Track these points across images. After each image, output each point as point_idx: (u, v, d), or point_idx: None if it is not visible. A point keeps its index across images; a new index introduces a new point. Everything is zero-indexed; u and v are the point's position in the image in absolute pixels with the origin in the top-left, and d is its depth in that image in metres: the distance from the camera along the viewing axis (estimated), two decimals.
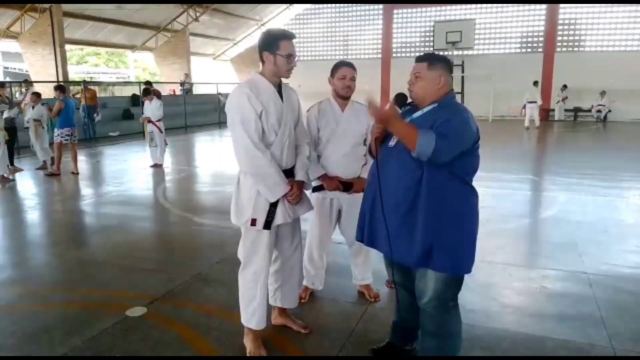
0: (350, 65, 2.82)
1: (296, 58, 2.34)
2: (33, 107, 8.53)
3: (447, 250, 1.94)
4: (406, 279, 2.21)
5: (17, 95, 11.83)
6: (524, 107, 15.20)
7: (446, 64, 2.04)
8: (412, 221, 1.95)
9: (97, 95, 14.42)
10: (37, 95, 8.36)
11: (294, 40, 2.32)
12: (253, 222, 2.34)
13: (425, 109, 2.02)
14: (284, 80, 2.43)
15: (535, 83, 15.89)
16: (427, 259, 1.96)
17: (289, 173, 2.39)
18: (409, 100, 2.15)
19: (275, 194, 2.30)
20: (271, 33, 2.32)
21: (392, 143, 2.05)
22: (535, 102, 15.00)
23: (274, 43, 2.26)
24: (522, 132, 14.39)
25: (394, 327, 2.43)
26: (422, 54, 2.10)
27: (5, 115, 7.66)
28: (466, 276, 2.08)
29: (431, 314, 2.08)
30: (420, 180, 1.93)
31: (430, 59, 2.02)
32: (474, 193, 2.04)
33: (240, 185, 2.40)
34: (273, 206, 2.33)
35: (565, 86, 17.37)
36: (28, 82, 12.08)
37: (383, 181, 2.02)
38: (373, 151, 2.17)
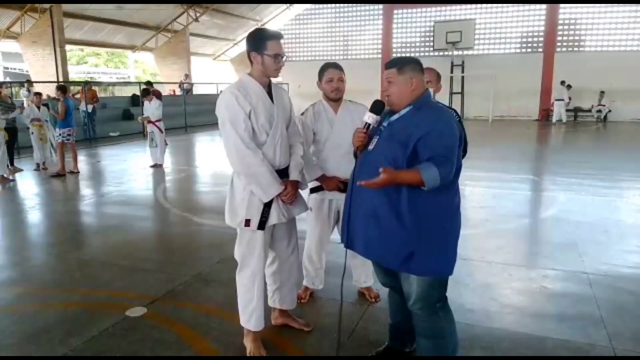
0: (336, 66, 2.81)
1: (284, 58, 2.33)
2: (39, 108, 8.52)
3: (428, 254, 1.93)
4: (392, 280, 2.20)
5: (21, 94, 11.81)
6: (553, 104, 16.85)
7: (416, 65, 2.03)
8: (391, 226, 1.94)
9: (97, 94, 14.44)
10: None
11: (283, 40, 2.32)
12: (247, 223, 2.33)
13: (402, 112, 2.02)
14: (280, 81, 2.43)
15: (563, 82, 16.70)
16: (408, 263, 1.95)
17: (283, 173, 2.39)
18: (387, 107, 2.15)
19: (268, 194, 2.30)
20: (258, 34, 2.32)
21: (370, 147, 2.04)
22: (563, 99, 16.44)
23: (260, 43, 2.27)
24: (524, 131, 14.42)
25: (390, 330, 2.42)
26: (391, 59, 2.10)
27: (3, 117, 7.64)
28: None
29: (420, 316, 2.07)
30: (399, 186, 1.91)
31: (399, 64, 2.02)
32: (456, 194, 2.02)
33: (233, 186, 2.40)
34: (267, 206, 2.33)
35: (569, 86, 17.38)
36: (30, 82, 12.04)
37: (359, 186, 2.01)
38: (358, 157, 2.17)
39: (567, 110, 18.02)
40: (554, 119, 16.74)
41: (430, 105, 2.02)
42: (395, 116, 2.04)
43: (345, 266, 2.28)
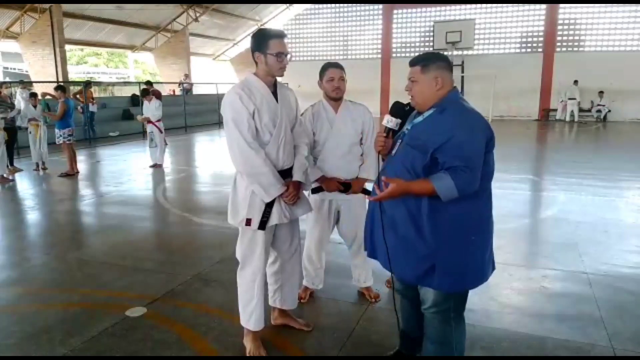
0: (337, 65, 2.80)
1: (288, 56, 2.32)
2: (35, 107, 8.52)
3: (449, 270, 1.85)
4: (406, 288, 2.16)
5: (17, 94, 11.78)
6: (564, 103, 17.46)
7: (442, 62, 1.90)
8: (410, 236, 1.86)
9: (94, 94, 14.46)
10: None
11: (286, 40, 2.32)
12: (248, 222, 2.33)
13: (426, 114, 1.91)
14: (279, 81, 2.43)
15: (576, 82, 17.20)
16: (428, 278, 1.87)
17: (286, 173, 2.38)
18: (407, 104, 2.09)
19: (270, 194, 2.30)
20: (261, 33, 2.32)
21: (393, 152, 1.96)
22: (575, 98, 17.12)
23: (264, 43, 2.27)
24: (524, 131, 14.42)
25: (401, 335, 2.36)
26: (415, 55, 1.98)
27: (1, 116, 7.64)
28: None
29: (432, 321, 2.02)
30: (419, 197, 1.82)
31: (423, 61, 1.89)
32: (485, 204, 1.91)
33: (236, 185, 2.40)
34: (268, 206, 2.33)
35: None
36: (23, 83, 12.00)
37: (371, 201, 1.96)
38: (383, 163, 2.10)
39: None
40: (567, 117, 17.41)
41: (455, 108, 1.85)
42: (419, 118, 1.93)
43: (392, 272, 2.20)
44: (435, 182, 1.75)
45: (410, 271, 1.92)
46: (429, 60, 1.90)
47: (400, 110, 2.03)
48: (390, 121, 1.99)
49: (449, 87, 1.91)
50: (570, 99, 17.28)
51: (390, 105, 2.06)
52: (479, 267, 1.91)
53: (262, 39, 2.28)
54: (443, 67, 1.90)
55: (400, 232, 1.89)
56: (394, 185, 1.79)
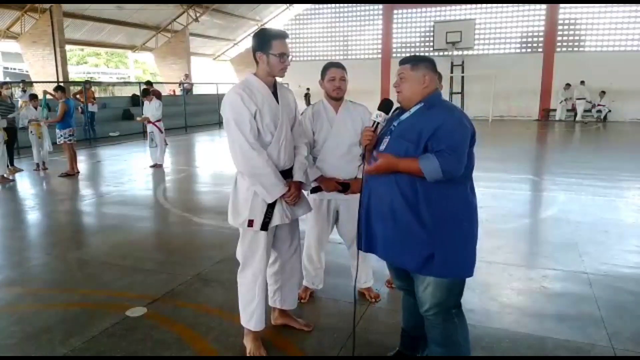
0: (338, 65, 2.81)
1: (290, 57, 2.32)
2: (36, 108, 8.53)
3: (448, 255, 1.90)
4: (408, 283, 2.16)
5: (17, 95, 11.80)
6: (568, 101, 17.70)
7: (429, 63, 2.03)
8: (410, 227, 1.91)
9: (95, 94, 14.46)
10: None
11: (288, 40, 2.31)
12: (250, 223, 2.33)
13: (412, 110, 2.00)
14: (283, 81, 2.42)
15: (583, 82, 17.32)
16: (429, 265, 1.92)
17: (286, 174, 2.38)
18: (396, 105, 2.13)
19: (272, 195, 2.29)
20: (263, 33, 2.31)
21: (382, 147, 2.01)
22: (584, 98, 17.21)
23: (266, 43, 2.26)
24: (524, 131, 14.43)
25: (402, 334, 2.37)
26: (406, 56, 2.10)
27: (8, 117, 7.65)
28: None
29: (433, 323, 2.03)
30: (414, 185, 1.90)
31: (413, 60, 2.03)
32: (472, 193, 2.01)
33: (237, 186, 2.39)
34: (270, 207, 2.32)
35: (568, 85, 17.48)
36: (26, 83, 12.03)
37: (375, 187, 2.00)
38: (367, 159, 2.13)
39: (568, 111, 18.06)
40: (579, 116, 17.46)
41: (441, 104, 2.00)
42: (406, 114, 2.02)
43: (357, 268, 2.26)
44: (421, 161, 1.86)
45: (411, 259, 1.95)
46: (419, 61, 2.04)
47: (389, 107, 2.10)
48: (379, 116, 2.08)
49: (434, 87, 2.04)
50: (578, 98, 17.32)
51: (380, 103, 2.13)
52: (472, 254, 1.99)
53: (264, 39, 2.27)
54: (430, 68, 2.03)
55: (400, 220, 1.94)
56: (383, 159, 1.92)
